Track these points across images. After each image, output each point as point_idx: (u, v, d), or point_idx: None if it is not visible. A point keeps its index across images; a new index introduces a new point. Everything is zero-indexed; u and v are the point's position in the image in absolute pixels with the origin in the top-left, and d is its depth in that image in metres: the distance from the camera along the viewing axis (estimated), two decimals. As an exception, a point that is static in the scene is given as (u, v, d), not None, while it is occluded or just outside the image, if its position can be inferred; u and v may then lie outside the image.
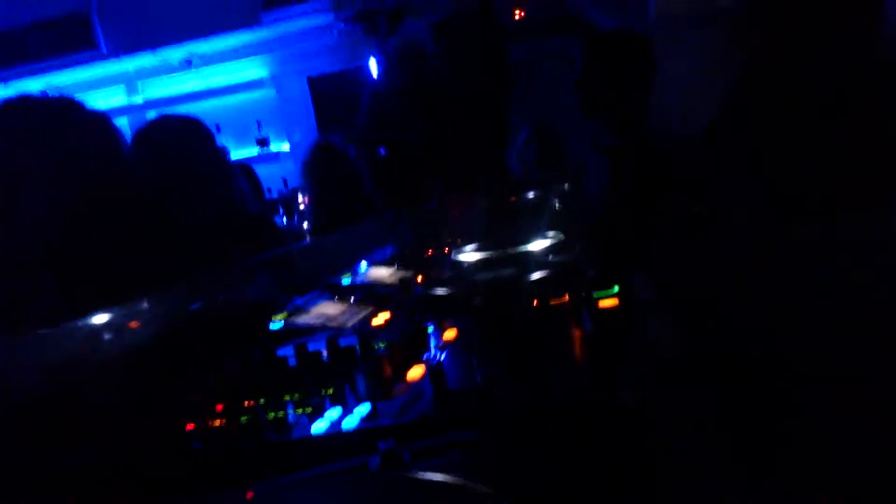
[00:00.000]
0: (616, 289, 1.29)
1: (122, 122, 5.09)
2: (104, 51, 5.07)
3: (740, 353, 0.90)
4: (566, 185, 1.94)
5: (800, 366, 0.83)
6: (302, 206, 4.10)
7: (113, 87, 5.45)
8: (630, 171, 1.66)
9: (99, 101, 5.32)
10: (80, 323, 1.30)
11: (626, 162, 1.75)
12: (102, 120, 1.55)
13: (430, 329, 1.26)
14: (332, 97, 5.09)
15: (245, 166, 3.16)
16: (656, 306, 1.16)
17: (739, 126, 1.27)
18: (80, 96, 1.56)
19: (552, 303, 1.31)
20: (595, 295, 1.27)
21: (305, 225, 4.04)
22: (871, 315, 0.90)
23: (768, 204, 1.27)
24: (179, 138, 2.02)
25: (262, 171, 4.49)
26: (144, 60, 5.15)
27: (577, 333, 1.15)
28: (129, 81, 5.45)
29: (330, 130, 3.30)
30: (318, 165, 2.98)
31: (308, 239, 3.26)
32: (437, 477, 0.68)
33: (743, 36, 1.24)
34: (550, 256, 1.55)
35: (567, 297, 1.32)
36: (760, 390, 0.82)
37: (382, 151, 2.90)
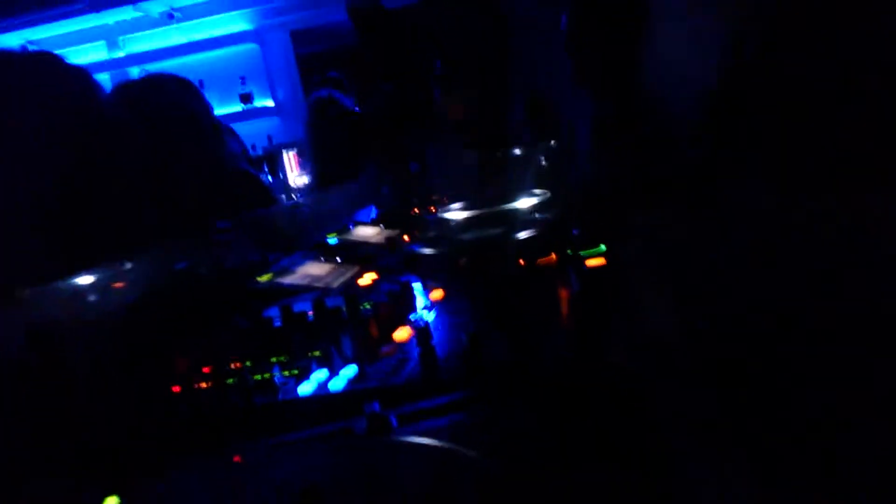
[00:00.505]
0: (603, 247, 1.29)
1: (104, 78, 5.00)
2: (84, 3, 4.96)
3: (733, 332, 0.90)
4: (553, 142, 1.93)
5: (796, 351, 0.83)
6: (288, 163, 4.07)
7: (93, 42, 5.35)
8: (622, 143, 1.63)
9: (80, 56, 5.23)
10: (63, 284, 1.29)
11: (618, 133, 1.72)
12: (83, 76, 1.52)
13: (417, 289, 1.26)
14: (316, 51, 5.03)
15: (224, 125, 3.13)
16: (645, 276, 1.16)
17: (735, 106, 1.26)
18: (60, 52, 1.53)
19: (539, 262, 1.31)
20: (582, 253, 1.27)
21: (299, 182, 4.01)
22: (870, 300, 0.90)
23: (765, 181, 1.26)
24: (165, 96, 1.99)
25: (246, 127, 4.45)
26: (124, 13, 5.05)
27: (564, 293, 1.14)
28: (110, 36, 5.34)
29: (317, 84, 3.26)
30: (319, 117, 2.96)
31: (296, 196, 3.24)
32: (424, 441, 0.68)
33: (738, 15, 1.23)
34: (537, 214, 1.54)
35: (554, 255, 1.32)
36: (755, 373, 0.82)
37: (357, 109, 2.88)
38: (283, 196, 3.64)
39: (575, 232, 1.28)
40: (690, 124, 1.43)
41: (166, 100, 1.97)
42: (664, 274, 1.21)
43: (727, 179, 1.37)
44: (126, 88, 1.93)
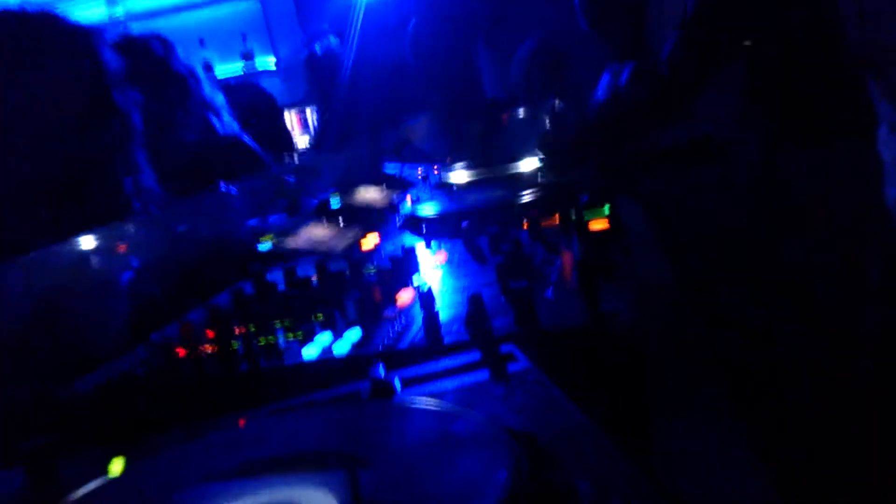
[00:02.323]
0: (606, 209, 1.28)
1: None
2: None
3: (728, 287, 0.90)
4: (557, 102, 1.92)
5: (787, 301, 0.84)
6: (290, 124, 4.04)
7: (91, -1, 5.28)
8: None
9: (78, 13, 5.16)
10: (66, 246, 1.29)
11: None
12: (86, 34, 1.49)
13: (420, 251, 1.26)
14: (317, 7, 4.96)
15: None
16: (646, 234, 1.16)
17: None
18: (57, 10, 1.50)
19: (542, 224, 1.30)
20: (585, 216, 1.26)
21: (301, 143, 3.99)
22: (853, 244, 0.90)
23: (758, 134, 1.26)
24: (151, 56, 1.97)
25: (247, 87, 4.39)
26: (123, -30, 4.99)
27: (567, 255, 1.14)
28: (108, -8, 5.28)
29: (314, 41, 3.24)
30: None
31: (297, 158, 3.22)
32: (430, 404, 0.68)
33: None
34: (540, 176, 1.53)
35: (557, 217, 1.31)
36: (750, 322, 0.83)
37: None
38: (285, 157, 3.62)
39: (584, 199, 1.28)
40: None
41: (150, 60, 1.95)
42: (665, 231, 1.21)
43: (724, 132, 1.37)
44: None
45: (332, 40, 3.09)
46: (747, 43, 1.30)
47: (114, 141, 1.45)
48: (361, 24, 2.87)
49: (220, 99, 2.22)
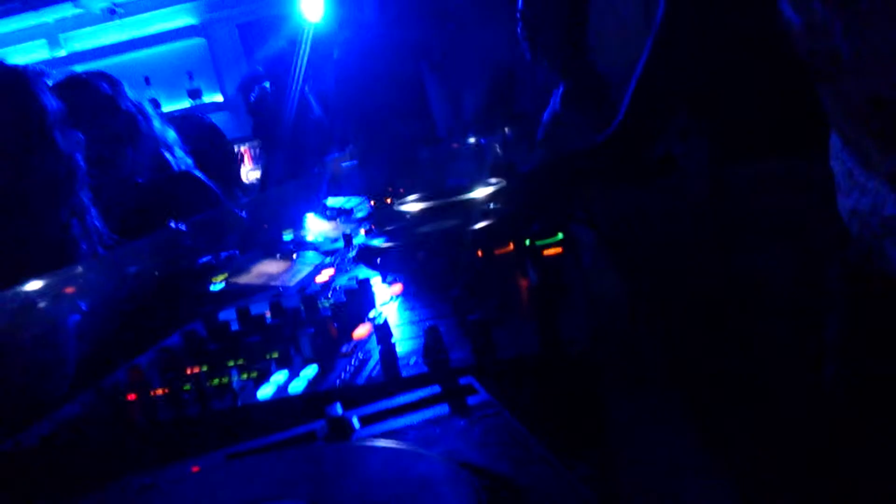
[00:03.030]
0: (560, 236, 1.29)
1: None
2: (20, 1, 4.82)
3: (684, 303, 0.91)
4: (507, 130, 1.93)
5: (746, 316, 0.84)
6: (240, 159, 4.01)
7: (33, 41, 5.20)
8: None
9: (20, 56, 5.08)
10: (10, 291, 1.26)
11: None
12: (23, 77, 1.47)
13: (375, 283, 1.24)
14: (264, 44, 4.96)
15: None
16: (599, 257, 1.16)
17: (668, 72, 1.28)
18: (-1, 53, 1.48)
19: (497, 252, 1.30)
20: (538, 243, 1.27)
21: (252, 177, 3.96)
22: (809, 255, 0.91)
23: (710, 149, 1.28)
24: (96, 95, 1.94)
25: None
26: (64, 11, 4.92)
27: (523, 283, 1.14)
28: (50, 34, 5.20)
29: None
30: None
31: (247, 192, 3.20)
32: (386, 444, 0.67)
33: None
34: (492, 204, 1.53)
35: (511, 245, 1.31)
36: (709, 339, 0.83)
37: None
38: (239, 191, 3.59)
39: (535, 227, 1.28)
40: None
41: (98, 99, 1.92)
42: (619, 253, 1.22)
43: (674, 151, 1.39)
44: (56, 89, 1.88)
45: (266, 85, 3.09)
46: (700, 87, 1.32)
47: (55, 182, 1.42)
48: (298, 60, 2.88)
49: (171, 135, 2.20)
